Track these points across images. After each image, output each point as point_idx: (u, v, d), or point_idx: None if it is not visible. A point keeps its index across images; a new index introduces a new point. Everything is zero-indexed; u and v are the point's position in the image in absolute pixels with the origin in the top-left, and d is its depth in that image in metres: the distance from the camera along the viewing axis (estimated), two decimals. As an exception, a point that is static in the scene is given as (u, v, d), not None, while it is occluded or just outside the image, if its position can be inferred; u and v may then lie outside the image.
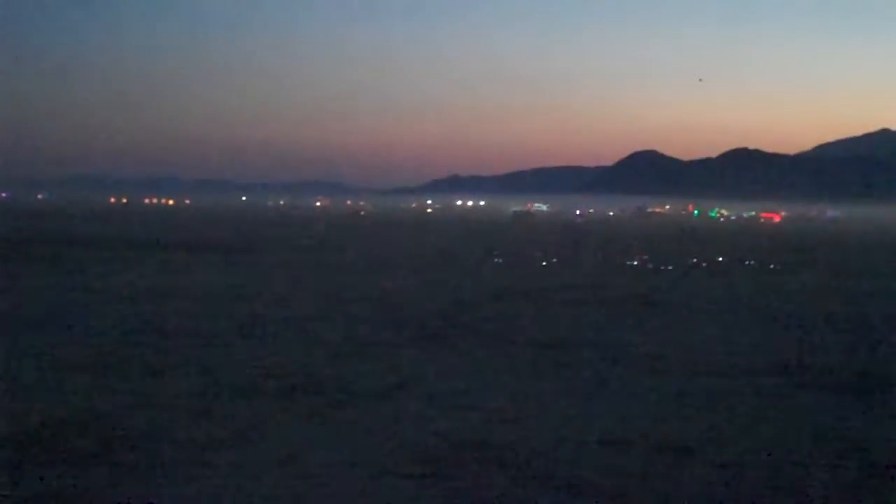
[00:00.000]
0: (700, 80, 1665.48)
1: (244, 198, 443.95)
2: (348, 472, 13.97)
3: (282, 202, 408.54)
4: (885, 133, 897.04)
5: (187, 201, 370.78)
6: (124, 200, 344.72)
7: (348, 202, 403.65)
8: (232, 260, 58.64)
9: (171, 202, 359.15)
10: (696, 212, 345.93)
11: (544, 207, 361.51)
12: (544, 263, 61.08)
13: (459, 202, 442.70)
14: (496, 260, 63.60)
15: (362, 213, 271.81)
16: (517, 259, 65.09)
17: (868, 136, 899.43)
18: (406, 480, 13.70)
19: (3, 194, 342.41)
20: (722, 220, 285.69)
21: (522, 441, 15.85)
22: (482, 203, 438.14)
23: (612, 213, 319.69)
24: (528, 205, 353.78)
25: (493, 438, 15.94)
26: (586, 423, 17.10)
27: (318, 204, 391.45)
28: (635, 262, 63.86)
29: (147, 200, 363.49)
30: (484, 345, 26.17)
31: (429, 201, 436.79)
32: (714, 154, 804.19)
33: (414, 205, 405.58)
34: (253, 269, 51.58)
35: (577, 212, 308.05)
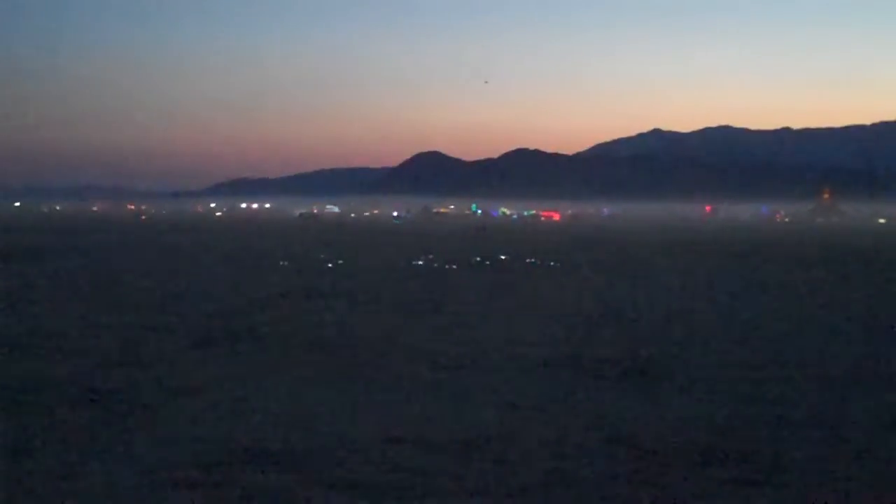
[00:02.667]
0: (486, 82, 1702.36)
1: (17, 204, 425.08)
2: (124, 484, 13.41)
3: (58, 207, 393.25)
4: (656, 133, 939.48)
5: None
6: None
7: (129, 206, 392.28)
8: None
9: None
10: (478, 211, 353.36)
11: (336, 209, 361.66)
12: (330, 265, 60.80)
13: (244, 205, 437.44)
14: (282, 263, 62.87)
15: (143, 217, 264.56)
16: (303, 261, 64.57)
17: (641, 136, 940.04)
18: (183, 490, 13.24)
19: None
20: (511, 219, 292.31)
21: (302, 443, 15.59)
22: (268, 206, 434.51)
23: (395, 214, 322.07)
24: (314, 207, 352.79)
25: (273, 442, 15.60)
26: (369, 423, 16.95)
27: (94, 209, 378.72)
28: (420, 262, 64.36)
29: None
30: (264, 348, 25.69)
31: (213, 204, 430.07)
32: (495, 155, 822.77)
33: (199, 208, 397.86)
34: (25, 278, 49.12)
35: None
